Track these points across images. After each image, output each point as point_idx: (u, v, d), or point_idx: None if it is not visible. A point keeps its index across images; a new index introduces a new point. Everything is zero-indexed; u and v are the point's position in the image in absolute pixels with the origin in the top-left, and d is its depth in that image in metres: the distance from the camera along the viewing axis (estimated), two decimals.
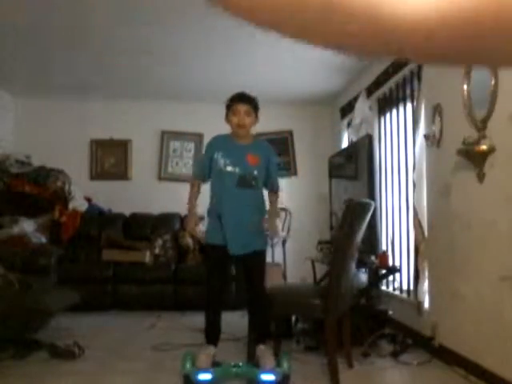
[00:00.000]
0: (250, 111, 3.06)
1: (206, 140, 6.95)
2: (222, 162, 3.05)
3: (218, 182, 3.10)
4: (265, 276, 3.25)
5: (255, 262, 3.16)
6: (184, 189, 6.58)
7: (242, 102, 3.06)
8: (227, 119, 3.12)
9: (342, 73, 5.46)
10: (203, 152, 3.33)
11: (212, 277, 3.16)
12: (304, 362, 3.42)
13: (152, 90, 6.14)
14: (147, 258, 5.59)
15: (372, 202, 3.67)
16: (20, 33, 4.40)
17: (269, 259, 6.33)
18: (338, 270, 3.08)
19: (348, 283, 3.27)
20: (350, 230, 3.10)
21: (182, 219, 6.22)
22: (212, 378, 2.83)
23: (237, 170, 3.04)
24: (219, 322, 3.22)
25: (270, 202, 3.32)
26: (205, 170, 3.17)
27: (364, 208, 3.32)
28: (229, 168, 3.04)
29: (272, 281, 5.07)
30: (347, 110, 5.90)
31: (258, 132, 6.69)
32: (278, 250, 6.44)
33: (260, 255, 3.18)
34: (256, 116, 3.13)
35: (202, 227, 4.51)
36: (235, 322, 4.65)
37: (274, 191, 3.31)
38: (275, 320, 4.00)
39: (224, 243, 3.04)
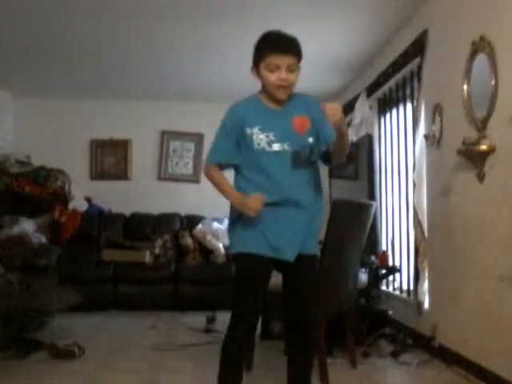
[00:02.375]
0: (294, 64, 2.09)
1: (206, 140, 7.01)
2: (263, 139, 2.13)
3: (258, 170, 2.15)
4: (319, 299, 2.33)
5: (309, 270, 2.22)
6: (184, 189, 6.66)
7: (284, 52, 2.07)
8: (256, 74, 2.15)
9: (341, 73, 5.46)
10: (221, 126, 2.24)
11: (242, 302, 2.21)
12: None
13: (152, 90, 6.14)
14: (147, 258, 5.58)
15: (372, 203, 3.68)
16: (20, 33, 4.39)
17: None
18: (326, 271, 3.00)
19: (343, 284, 3.26)
20: (338, 230, 3.08)
21: (182, 219, 6.23)
22: None
23: (286, 146, 2.13)
24: None
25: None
26: (231, 153, 2.20)
27: (357, 207, 3.31)
28: (276, 146, 2.13)
29: (272, 280, 5.06)
30: (347, 109, 5.90)
31: None
32: None
33: (315, 262, 2.27)
34: (299, 68, 2.15)
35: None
36: None
37: (329, 144, 2.21)
38: (275, 320, 4.01)
39: (267, 252, 2.15)
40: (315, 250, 2.26)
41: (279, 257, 2.14)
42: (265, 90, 2.16)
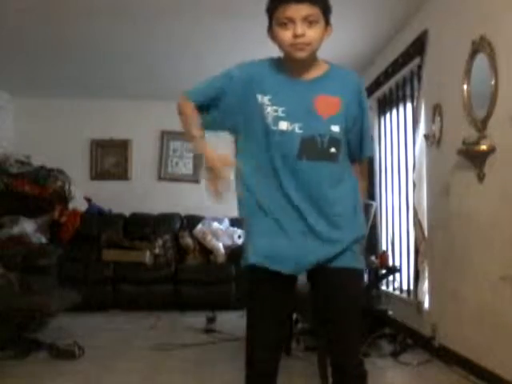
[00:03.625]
0: (314, 15, 1.60)
1: (206, 140, 7.04)
2: (270, 113, 1.66)
3: (260, 150, 1.70)
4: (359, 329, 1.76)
5: (343, 292, 1.68)
6: (184, 189, 6.66)
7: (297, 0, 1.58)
8: (273, 37, 1.69)
9: None
10: (223, 72, 1.83)
11: (259, 329, 1.75)
12: (304, 361, 3.42)
13: (152, 89, 6.14)
14: (147, 258, 5.59)
15: (372, 203, 3.68)
16: (20, 33, 4.40)
17: None
18: None
19: None
20: None
21: (182, 219, 6.23)
22: None
23: (297, 127, 1.65)
24: None
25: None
26: (207, 94, 1.77)
27: None
28: (283, 124, 1.66)
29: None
30: None
31: None
32: None
33: (354, 278, 1.70)
34: (327, 22, 1.67)
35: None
36: (235, 321, 4.66)
37: (362, 159, 1.82)
38: None
39: (282, 265, 1.66)
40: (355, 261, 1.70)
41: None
42: (283, 54, 1.70)
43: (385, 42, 4.52)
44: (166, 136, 6.68)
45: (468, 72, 3.11)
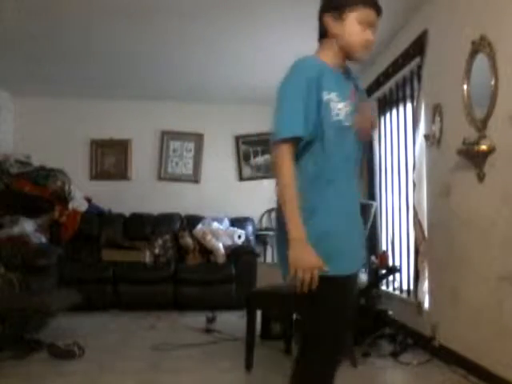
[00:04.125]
0: (377, 25, 1.74)
1: (207, 140, 7.06)
2: (342, 109, 1.63)
3: (336, 148, 1.63)
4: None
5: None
6: (184, 189, 6.66)
7: (379, 12, 1.72)
8: (333, 21, 1.68)
9: None
10: (296, 82, 1.62)
11: (339, 342, 1.66)
12: None
13: (152, 90, 6.14)
14: (147, 258, 5.59)
15: (372, 203, 3.68)
16: (20, 33, 4.40)
17: (269, 259, 6.37)
18: None
19: None
20: None
21: (182, 219, 6.23)
22: None
23: (351, 121, 1.67)
24: None
25: None
26: (309, 120, 1.60)
27: None
28: (349, 120, 1.66)
29: (272, 280, 5.06)
30: None
31: (258, 132, 6.77)
32: None
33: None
34: None
35: None
36: (234, 322, 4.66)
37: None
38: (275, 320, 4.01)
39: (356, 267, 1.73)
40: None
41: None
42: (337, 45, 1.70)
43: (385, 43, 4.52)
44: (166, 136, 6.68)
45: (468, 72, 3.11)
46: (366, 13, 1.66)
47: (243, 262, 5.52)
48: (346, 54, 1.70)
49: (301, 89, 1.59)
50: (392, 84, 4.66)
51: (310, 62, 1.66)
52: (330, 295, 1.59)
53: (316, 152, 1.62)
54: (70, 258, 5.57)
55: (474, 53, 3.03)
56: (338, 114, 1.62)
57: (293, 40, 4.42)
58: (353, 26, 1.65)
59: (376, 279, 4.37)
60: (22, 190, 5.62)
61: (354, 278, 1.69)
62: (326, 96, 1.61)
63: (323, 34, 1.72)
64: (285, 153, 1.55)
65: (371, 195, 5.06)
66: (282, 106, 1.61)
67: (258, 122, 6.60)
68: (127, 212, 6.21)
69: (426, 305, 3.77)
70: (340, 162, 1.64)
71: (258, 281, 5.14)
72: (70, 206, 5.85)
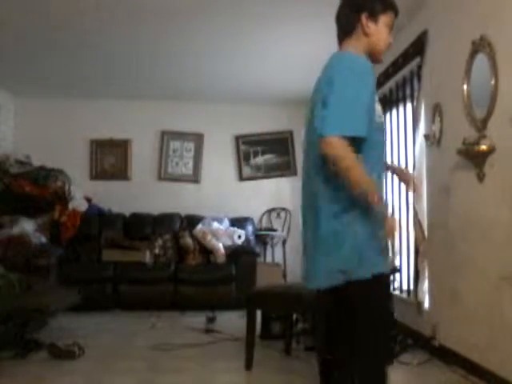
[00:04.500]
0: None
1: (207, 140, 7.07)
2: (379, 110, 1.76)
3: (377, 149, 1.75)
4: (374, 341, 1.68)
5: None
6: (184, 189, 6.66)
7: (398, 13, 1.86)
8: (366, 23, 1.77)
9: None
10: (358, 80, 1.67)
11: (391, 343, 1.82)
12: (304, 361, 3.42)
13: (152, 89, 6.14)
14: (147, 258, 5.59)
15: None
16: (20, 33, 4.40)
17: (269, 259, 6.37)
18: None
19: None
20: None
21: (182, 219, 6.23)
22: None
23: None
24: None
25: None
26: (365, 120, 1.66)
27: None
28: (382, 119, 1.80)
29: (272, 280, 5.07)
30: None
31: (258, 132, 6.77)
32: (278, 249, 6.45)
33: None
34: None
35: None
36: (234, 322, 4.66)
37: None
38: (275, 320, 4.01)
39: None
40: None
41: None
42: (368, 44, 1.81)
43: None
44: (166, 136, 6.68)
45: (468, 72, 3.11)
46: (392, 17, 1.81)
47: (243, 262, 5.52)
48: (369, 54, 1.82)
49: (367, 90, 1.66)
50: (392, 84, 4.66)
51: (367, 63, 1.75)
52: (385, 295, 1.70)
53: (364, 151, 1.66)
54: (69, 258, 5.57)
55: (473, 53, 3.03)
56: (380, 116, 1.75)
57: (291, 39, 4.42)
58: (383, 29, 1.79)
59: None
60: (22, 190, 5.62)
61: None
62: (375, 98, 1.73)
63: (348, 32, 1.81)
64: (345, 145, 1.58)
65: None
66: (346, 102, 1.62)
67: (258, 122, 6.61)
68: (127, 212, 6.21)
69: (426, 305, 3.77)
70: (379, 161, 1.75)
71: (257, 281, 5.15)
72: (70, 206, 5.85)
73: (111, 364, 3.44)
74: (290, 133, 6.74)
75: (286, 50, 4.73)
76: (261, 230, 6.41)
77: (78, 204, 5.95)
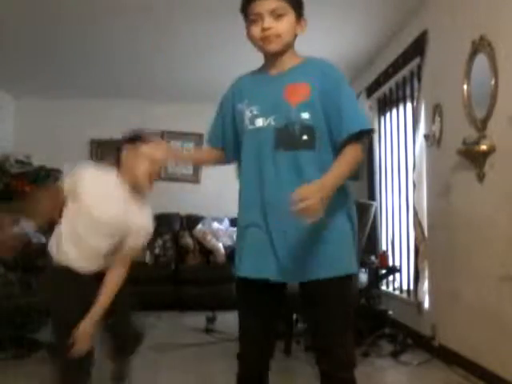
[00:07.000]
0: (281, 8, 1.62)
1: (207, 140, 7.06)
2: (247, 115, 1.69)
3: (243, 157, 1.73)
4: (347, 332, 1.80)
5: (322, 301, 1.70)
6: (184, 189, 6.65)
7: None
8: (248, 37, 1.73)
9: None
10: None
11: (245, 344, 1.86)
12: (304, 361, 3.42)
13: (152, 90, 6.14)
14: (147, 258, 5.59)
15: (372, 203, 3.67)
16: (20, 33, 4.40)
17: None
18: None
19: None
20: None
21: (182, 219, 6.23)
22: None
23: (272, 120, 1.65)
24: None
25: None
26: (217, 134, 1.84)
27: (357, 207, 3.28)
28: (259, 121, 1.67)
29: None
30: None
31: None
32: None
33: (333, 287, 1.67)
34: (299, 15, 1.69)
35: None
36: (234, 322, 4.65)
37: (351, 140, 1.62)
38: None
39: (256, 273, 1.68)
40: (334, 269, 1.66)
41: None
42: (264, 56, 1.76)
43: (385, 42, 4.52)
44: (165, 136, 6.68)
45: (468, 72, 3.11)
46: (249, 9, 1.70)
47: None
48: (265, 54, 1.79)
49: (218, 105, 1.90)
50: (392, 84, 4.66)
51: (236, 80, 1.90)
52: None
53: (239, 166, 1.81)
54: None
55: (473, 53, 3.03)
56: (243, 121, 1.76)
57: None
58: (249, 29, 1.74)
59: (376, 279, 4.37)
60: (22, 190, 5.62)
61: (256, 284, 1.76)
62: (239, 107, 1.77)
63: None
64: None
65: (371, 195, 5.06)
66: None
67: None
68: None
69: (426, 305, 3.77)
70: (244, 165, 1.78)
71: None
72: None
73: (111, 364, 3.43)
74: None
75: None
76: None
77: None
